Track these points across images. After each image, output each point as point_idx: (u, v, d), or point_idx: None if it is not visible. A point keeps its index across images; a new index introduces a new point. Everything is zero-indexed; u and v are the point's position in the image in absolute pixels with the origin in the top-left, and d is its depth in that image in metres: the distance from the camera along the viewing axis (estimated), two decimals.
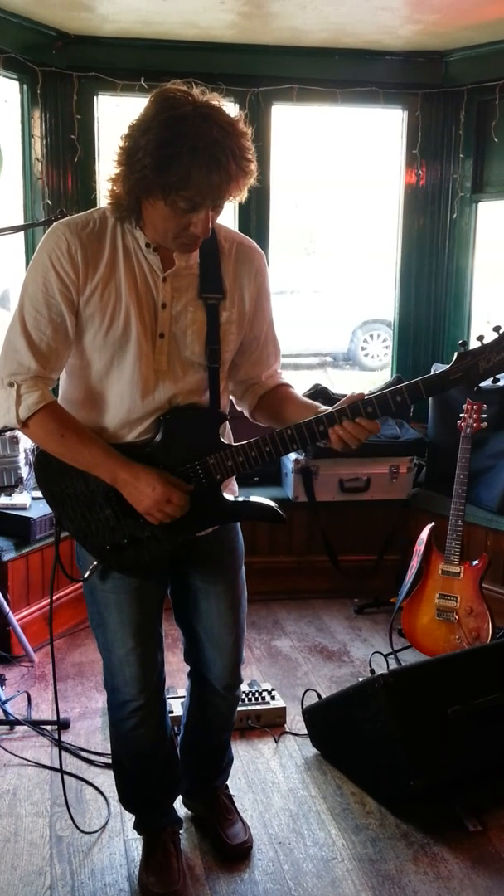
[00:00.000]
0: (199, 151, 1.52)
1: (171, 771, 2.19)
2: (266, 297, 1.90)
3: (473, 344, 1.66)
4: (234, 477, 1.91)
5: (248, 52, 3.89)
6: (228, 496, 1.88)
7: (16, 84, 3.77)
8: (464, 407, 3.20)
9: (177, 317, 1.76)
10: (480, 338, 1.65)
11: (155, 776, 2.14)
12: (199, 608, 2.03)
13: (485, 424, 3.16)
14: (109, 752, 2.65)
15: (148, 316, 1.73)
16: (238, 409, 2.05)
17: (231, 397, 2.02)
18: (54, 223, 1.73)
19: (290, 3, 3.34)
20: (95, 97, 3.90)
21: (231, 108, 3.99)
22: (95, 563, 1.88)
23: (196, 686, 2.20)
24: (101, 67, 3.81)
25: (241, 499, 1.91)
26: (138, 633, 1.94)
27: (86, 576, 1.90)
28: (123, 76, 3.83)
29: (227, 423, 1.92)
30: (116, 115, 4.06)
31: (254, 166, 1.62)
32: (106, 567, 1.87)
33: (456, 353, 1.66)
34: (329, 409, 1.72)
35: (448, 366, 1.66)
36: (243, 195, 1.65)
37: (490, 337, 1.64)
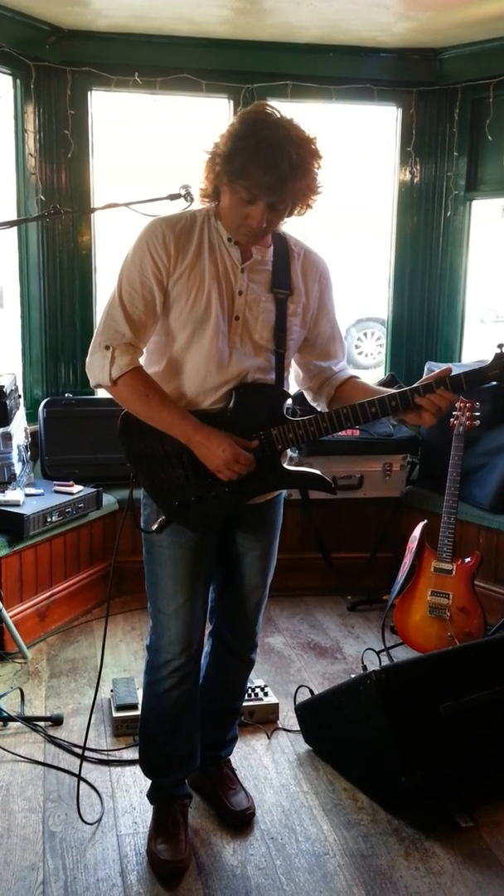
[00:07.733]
0: (259, 149, 1.77)
1: (194, 739, 2.30)
2: (329, 298, 2.15)
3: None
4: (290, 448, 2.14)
5: (242, 48, 3.89)
6: (286, 465, 2.08)
7: (9, 79, 3.76)
8: (457, 405, 3.20)
9: (251, 304, 1.99)
10: None
11: (180, 740, 2.25)
12: (234, 567, 2.22)
13: (477, 423, 3.16)
14: (103, 749, 2.68)
15: (227, 300, 1.97)
16: (313, 403, 2.24)
17: (307, 393, 2.24)
18: (152, 219, 1.98)
19: None
20: (89, 92, 3.89)
21: (224, 105, 4.03)
22: (163, 517, 2.05)
23: (216, 646, 2.35)
24: (94, 62, 3.81)
25: (296, 468, 2.13)
26: (188, 591, 2.10)
27: (153, 528, 2.07)
28: (117, 71, 3.82)
29: (289, 400, 2.12)
30: (110, 110, 4.05)
31: (313, 181, 1.84)
32: (173, 521, 2.05)
33: (494, 354, 1.90)
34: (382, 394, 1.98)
35: (488, 363, 1.90)
36: (304, 211, 1.91)
37: None
